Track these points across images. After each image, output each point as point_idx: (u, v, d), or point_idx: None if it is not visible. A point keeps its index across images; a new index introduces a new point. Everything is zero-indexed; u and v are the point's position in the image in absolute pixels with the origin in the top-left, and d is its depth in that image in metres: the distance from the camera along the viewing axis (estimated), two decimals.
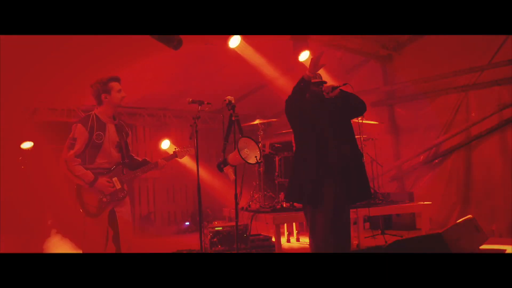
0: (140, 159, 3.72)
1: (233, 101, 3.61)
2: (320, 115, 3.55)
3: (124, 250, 3.44)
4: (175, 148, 3.81)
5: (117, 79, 3.49)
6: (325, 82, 3.61)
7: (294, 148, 3.87)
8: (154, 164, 3.67)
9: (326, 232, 3.41)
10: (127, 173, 3.59)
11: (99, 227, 3.39)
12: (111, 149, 3.48)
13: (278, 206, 5.53)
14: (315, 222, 3.48)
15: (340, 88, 3.53)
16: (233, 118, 3.57)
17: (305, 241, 6.50)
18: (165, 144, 8.62)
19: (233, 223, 4.30)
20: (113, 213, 3.46)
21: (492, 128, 6.41)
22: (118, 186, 3.47)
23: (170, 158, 3.77)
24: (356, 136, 3.78)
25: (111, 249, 3.45)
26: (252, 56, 6.44)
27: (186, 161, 9.30)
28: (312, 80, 3.57)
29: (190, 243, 6.73)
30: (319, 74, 3.65)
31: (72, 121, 7.25)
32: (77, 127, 3.36)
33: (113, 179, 3.45)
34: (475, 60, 6.57)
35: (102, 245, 3.38)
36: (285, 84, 7.48)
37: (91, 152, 3.38)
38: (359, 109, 3.64)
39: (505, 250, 4.60)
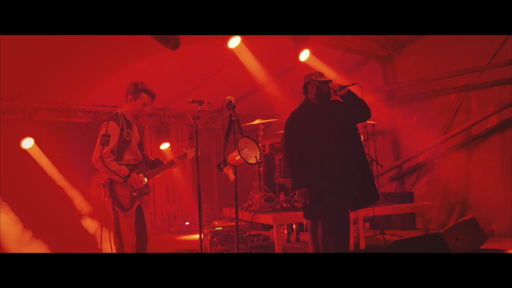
0: (153, 159, 3.87)
1: (233, 101, 3.61)
2: (324, 118, 3.51)
3: (148, 247, 3.53)
4: (184, 149, 3.99)
5: (151, 94, 3.63)
6: (331, 81, 3.58)
7: None
8: (170, 162, 3.83)
9: (326, 239, 3.41)
10: (150, 170, 3.73)
11: (130, 221, 3.46)
12: (136, 147, 3.61)
13: (278, 206, 5.53)
14: (316, 229, 3.49)
15: (348, 88, 3.49)
16: (233, 118, 3.56)
17: (305, 241, 6.50)
18: (165, 145, 8.65)
19: (233, 223, 4.29)
20: (140, 209, 3.56)
21: (492, 128, 6.39)
22: (145, 181, 3.58)
23: (182, 157, 3.94)
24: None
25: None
26: (252, 56, 6.43)
27: (186, 161, 9.34)
28: (319, 79, 3.55)
29: (190, 243, 6.74)
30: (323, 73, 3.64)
31: (72, 121, 7.38)
32: (110, 124, 3.45)
33: (140, 175, 3.57)
34: (475, 60, 6.56)
35: (134, 239, 3.46)
36: (285, 84, 7.50)
37: (120, 148, 3.49)
38: (363, 116, 3.61)
39: (505, 250, 4.60)
